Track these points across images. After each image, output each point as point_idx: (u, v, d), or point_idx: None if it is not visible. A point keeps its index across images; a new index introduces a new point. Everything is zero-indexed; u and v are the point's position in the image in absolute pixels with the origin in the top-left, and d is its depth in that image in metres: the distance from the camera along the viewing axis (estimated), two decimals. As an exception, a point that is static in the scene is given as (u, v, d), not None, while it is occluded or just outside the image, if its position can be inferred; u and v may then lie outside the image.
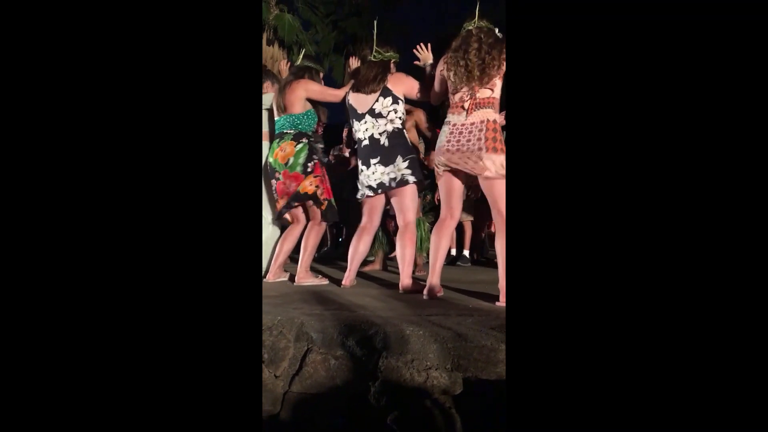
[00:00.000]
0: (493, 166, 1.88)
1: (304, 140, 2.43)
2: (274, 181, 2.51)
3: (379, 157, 2.27)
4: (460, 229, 4.25)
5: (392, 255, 3.48)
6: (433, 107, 2.50)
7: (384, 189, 2.29)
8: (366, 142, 2.31)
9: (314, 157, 2.45)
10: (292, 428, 1.33)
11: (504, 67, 1.93)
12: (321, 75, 2.60)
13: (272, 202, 2.67)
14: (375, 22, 2.41)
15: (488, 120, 1.92)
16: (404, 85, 2.29)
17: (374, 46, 2.33)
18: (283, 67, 2.94)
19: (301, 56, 2.63)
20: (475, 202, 4.00)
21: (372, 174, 2.29)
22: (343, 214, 4.36)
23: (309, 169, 2.42)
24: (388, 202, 2.41)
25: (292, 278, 2.52)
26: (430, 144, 2.82)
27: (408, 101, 2.37)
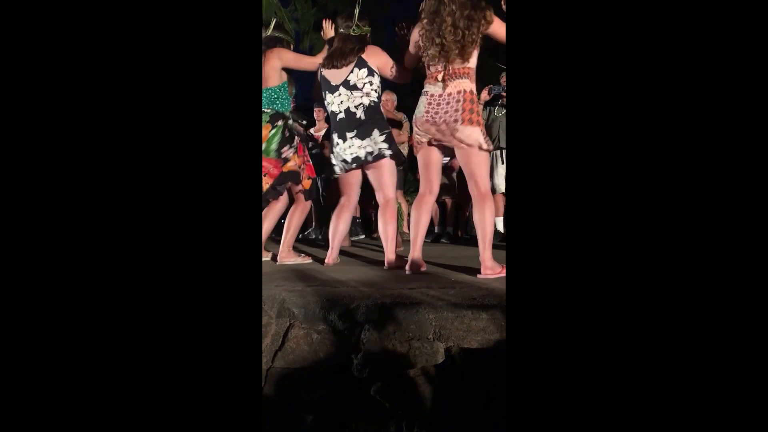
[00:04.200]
0: (468, 139, 1.87)
1: (280, 122, 2.36)
2: None
3: (355, 131, 2.23)
4: (441, 206, 4.27)
5: (375, 235, 3.49)
6: (407, 87, 2.46)
7: (360, 163, 2.26)
8: (342, 115, 2.26)
9: (290, 142, 2.38)
10: (276, 403, 1.34)
11: (479, 39, 1.89)
12: (291, 46, 2.53)
13: None
14: None
15: (465, 90, 1.89)
16: (379, 59, 2.24)
17: (355, 20, 2.25)
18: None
19: (272, 26, 2.52)
20: (457, 179, 4.02)
21: (348, 148, 2.25)
22: (331, 193, 4.35)
23: (283, 155, 2.35)
24: (365, 178, 2.39)
25: (275, 258, 2.50)
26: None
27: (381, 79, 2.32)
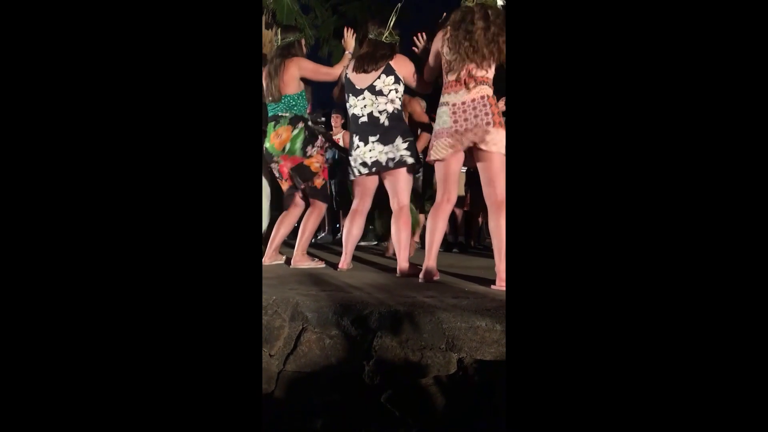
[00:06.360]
0: (499, 142, 1.88)
1: (301, 125, 2.39)
2: (274, 165, 2.50)
3: (378, 135, 2.25)
4: (451, 216, 4.25)
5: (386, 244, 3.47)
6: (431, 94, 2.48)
7: (379, 168, 2.27)
8: (364, 119, 2.28)
9: (313, 141, 2.43)
10: (286, 406, 1.34)
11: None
12: (303, 42, 2.52)
13: (272, 188, 2.67)
14: (399, 5, 2.36)
15: (487, 96, 1.92)
16: (406, 68, 2.27)
17: (389, 28, 2.30)
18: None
19: (279, 36, 2.49)
20: (471, 190, 4.00)
21: (369, 151, 2.27)
22: (343, 197, 4.37)
23: (308, 153, 2.40)
24: (380, 183, 2.40)
25: (288, 262, 2.52)
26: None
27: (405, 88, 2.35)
